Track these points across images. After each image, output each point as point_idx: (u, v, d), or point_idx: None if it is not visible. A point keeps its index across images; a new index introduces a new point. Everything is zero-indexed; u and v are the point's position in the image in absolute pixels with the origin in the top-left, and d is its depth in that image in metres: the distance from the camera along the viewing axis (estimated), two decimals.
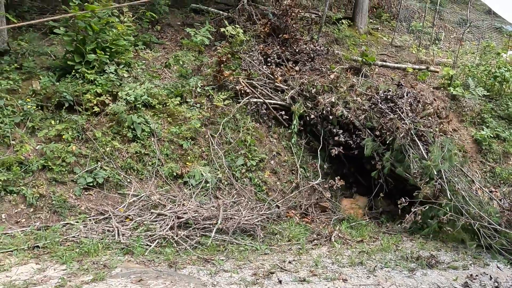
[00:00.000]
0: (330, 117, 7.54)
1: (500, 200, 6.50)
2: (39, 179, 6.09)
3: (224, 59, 8.04)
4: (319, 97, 7.78)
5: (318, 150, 7.63)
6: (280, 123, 7.98)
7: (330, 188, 7.18)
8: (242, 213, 6.04)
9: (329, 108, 7.57)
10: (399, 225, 6.57)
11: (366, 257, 5.43)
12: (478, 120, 9.33)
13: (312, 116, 7.68)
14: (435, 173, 6.42)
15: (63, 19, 7.15)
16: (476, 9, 16.92)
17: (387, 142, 6.99)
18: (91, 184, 6.25)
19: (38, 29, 8.51)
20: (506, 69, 9.66)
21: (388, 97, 7.76)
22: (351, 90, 8.09)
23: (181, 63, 8.26)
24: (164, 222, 5.72)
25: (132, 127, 6.81)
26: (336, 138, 7.41)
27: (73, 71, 6.98)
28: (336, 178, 7.08)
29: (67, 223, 5.72)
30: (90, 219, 5.83)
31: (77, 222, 5.71)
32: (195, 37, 8.48)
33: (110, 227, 5.63)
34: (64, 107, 6.69)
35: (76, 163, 6.35)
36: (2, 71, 6.99)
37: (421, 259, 5.37)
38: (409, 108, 7.53)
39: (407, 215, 6.23)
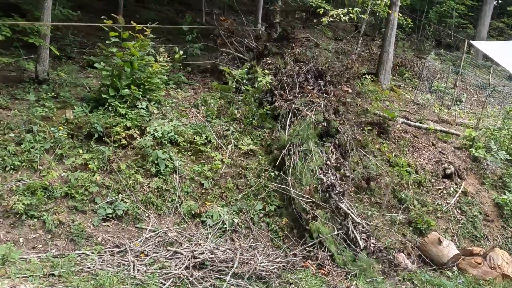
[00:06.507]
0: None
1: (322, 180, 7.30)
2: (61, 206, 6.16)
3: None
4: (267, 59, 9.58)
5: None
6: None
7: None
8: (258, 259, 5.94)
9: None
10: None
11: None
12: (500, 184, 9.19)
13: None
14: (285, 142, 7.70)
15: (102, 55, 7.55)
16: (497, 74, 17.12)
17: (277, 109, 8.42)
18: (110, 215, 6.29)
19: (76, 62, 8.96)
20: None
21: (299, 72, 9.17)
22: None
23: (208, 103, 8.50)
24: (180, 261, 5.65)
25: (156, 162, 6.93)
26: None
27: (106, 103, 7.23)
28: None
29: (83, 253, 5.70)
30: (105, 251, 5.80)
31: (92, 252, 5.69)
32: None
33: (125, 261, 5.58)
34: (93, 138, 6.87)
35: (98, 193, 6.43)
36: (39, 98, 7.31)
37: None
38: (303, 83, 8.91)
39: None
